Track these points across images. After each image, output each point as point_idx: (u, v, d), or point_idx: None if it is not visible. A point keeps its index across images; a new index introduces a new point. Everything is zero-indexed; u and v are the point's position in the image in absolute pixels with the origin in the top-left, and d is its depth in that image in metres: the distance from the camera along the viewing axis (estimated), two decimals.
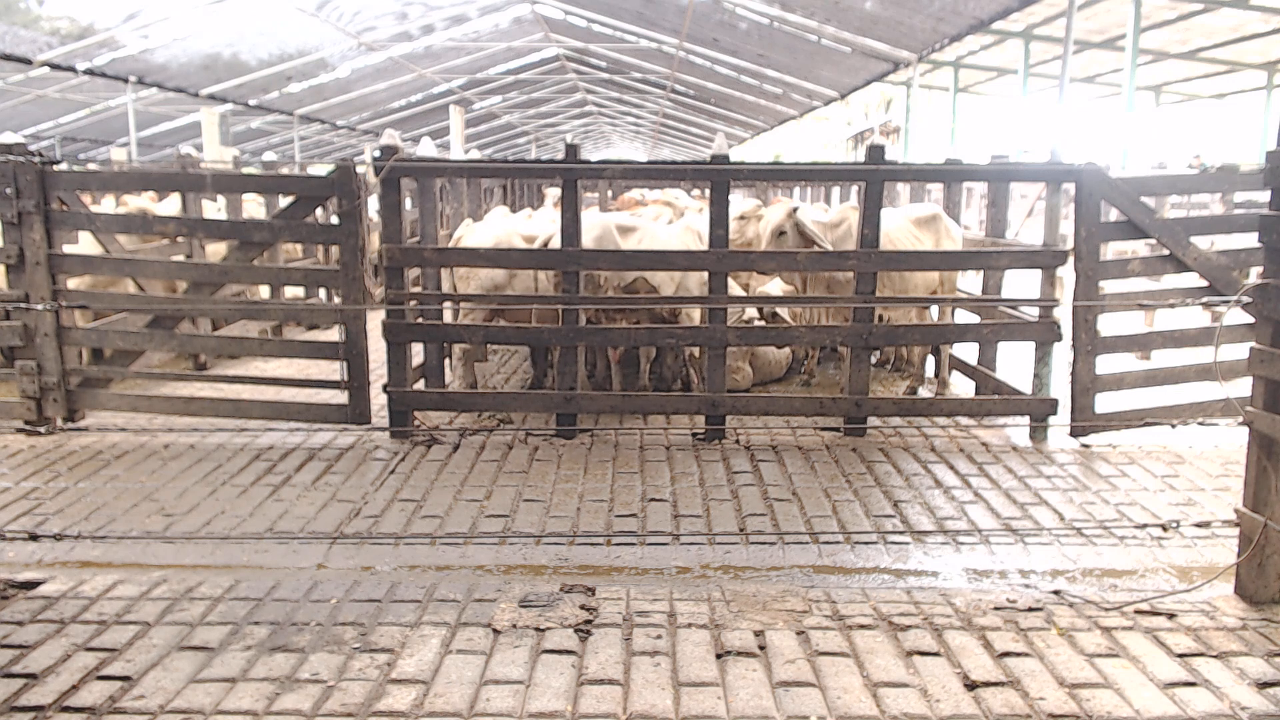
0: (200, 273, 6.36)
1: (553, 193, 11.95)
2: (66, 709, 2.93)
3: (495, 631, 3.43)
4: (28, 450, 5.65)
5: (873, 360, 8.10)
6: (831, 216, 6.91)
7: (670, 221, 8.30)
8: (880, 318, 6.50)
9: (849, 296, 5.90)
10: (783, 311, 7.12)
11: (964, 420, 6.27)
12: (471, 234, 6.81)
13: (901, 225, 6.80)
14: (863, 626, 3.47)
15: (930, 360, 7.54)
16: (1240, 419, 3.80)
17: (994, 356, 7.07)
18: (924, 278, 6.74)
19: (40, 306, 5.81)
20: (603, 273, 6.22)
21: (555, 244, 6.18)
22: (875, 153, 5.73)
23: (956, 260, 7.06)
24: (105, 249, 6.80)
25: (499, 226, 6.83)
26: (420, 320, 6.31)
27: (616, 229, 6.42)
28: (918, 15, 12.42)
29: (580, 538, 4.38)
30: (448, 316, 6.97)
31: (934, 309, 7.08)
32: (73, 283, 6.69)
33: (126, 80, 15.86)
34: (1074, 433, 5.80)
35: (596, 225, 6.36)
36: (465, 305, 6.64)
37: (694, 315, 6.41)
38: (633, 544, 4.33)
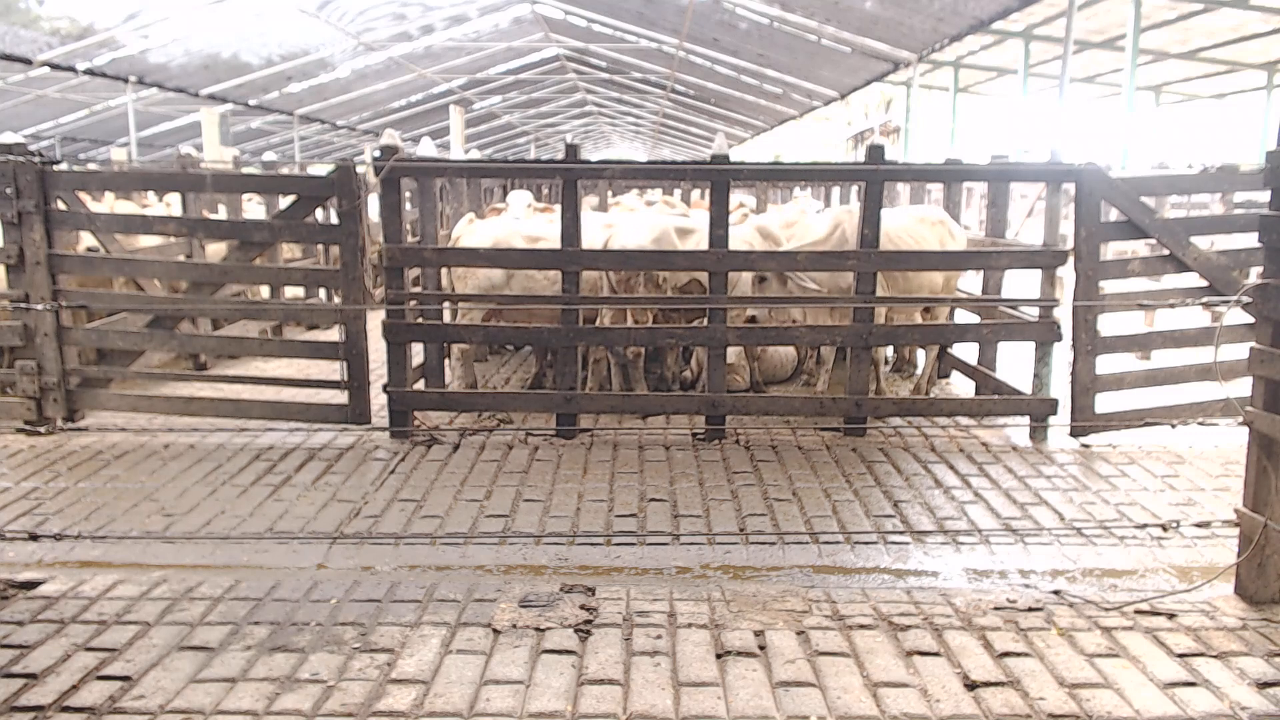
0: (200, 273, 6.37)
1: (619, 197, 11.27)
2: (66, 709, 2.93)
3: (495, 631, 3.43)
4: (28, 450, 5.65)
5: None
6: (826, 227, 6.72)
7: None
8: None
9: (850, 296, 5.89)
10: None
11: (964, 420, 6.27)
12: (473, 233, 6.80)
13: (906, 225, 6.74)
14: (863, 626, 3.47)
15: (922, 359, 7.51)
16: (1240, 419, 3.80)
17: (994, 356, 7.07)
18: (928, 280, 6.61)
19: (40, 306, 5.81)
20: (662, 274, 6.29)
21: (617, 244, 6.39)
22: (875, 153, 5.73)
23: (956, 260, 7.05)
24: (105, 249, 6.79)
25: (500, 227, 6.83)
26: (420, 320, 6.31)
27: (676, 231, 6.44)
28: (918, 15, 12.42)
29: (580, 538, 4.38)
30: (447, 316, 6.96)
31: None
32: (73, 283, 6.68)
33: (126, 80, 15.87)
34: (1074, 433, 5.80)
35: (656, 227, 6.38)
36: (465, 305, 6.65)
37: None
38: (633, 544, 4.33)
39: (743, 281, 6.44)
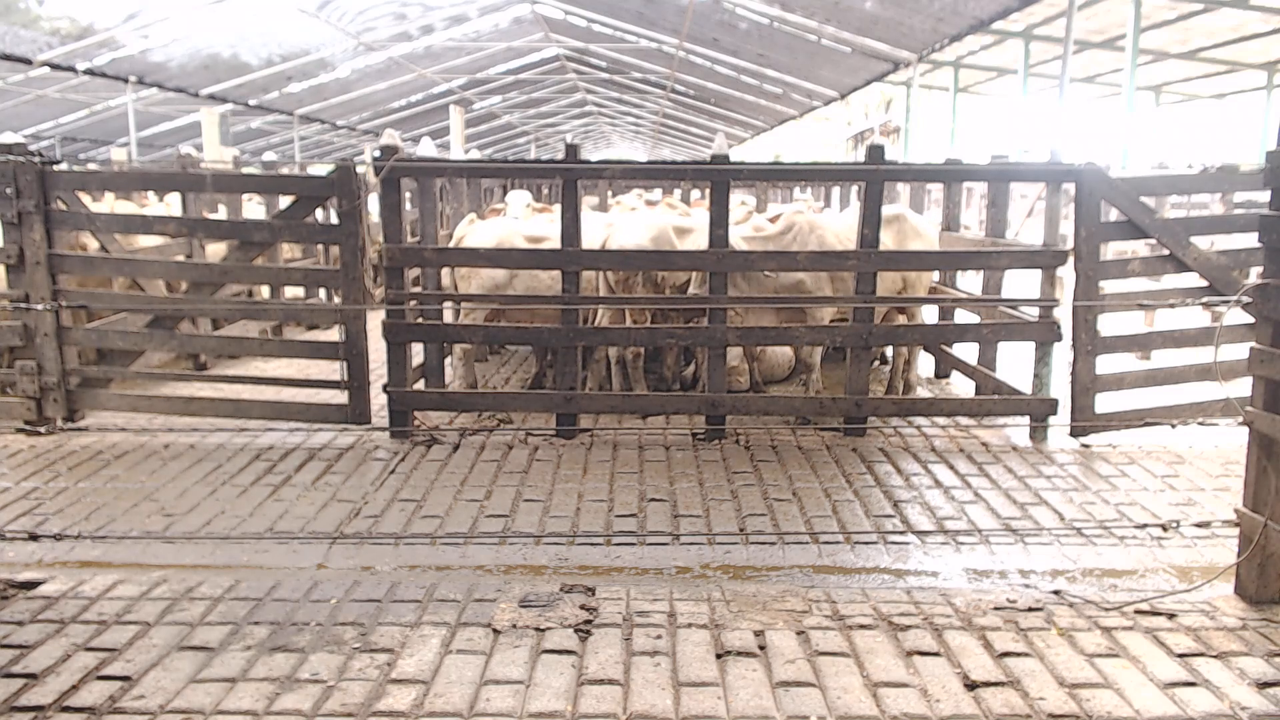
0: (200, 273, 6.37)
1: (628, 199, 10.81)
2: (66, 709, 2.93)
3: (495, 631, 3.43)
4: (28, 450, 5.65)
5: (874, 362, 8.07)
6: (779, 227, 6.51)
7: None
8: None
9: (850, 296, 5.89)
10: None
11: (964, 420, 6.27)
12: (475, 233, 6.80)
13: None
14: (863, 626, 3.47)
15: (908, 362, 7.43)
16: (1240, 419, 3.80)
17: (994, 356, 7.07)
18: (886, 280, 6.29)
19: (40, 306, 5.81)
20: (660, 273, 6.31)
21: (615, 244, 6.40)
22: (875, 153, 5.73)
23: (956, 260, 7.05)
24: (105, 249, 6.79)
25: (502, 226, 6.83)
26: (420, 320, 6.31)
27: (674, 230, 6.46)
28: (918, 15, 12.42)
29: (580, 538, 4.38)
30: (448, 316, 6.96)
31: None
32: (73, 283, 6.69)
33: (126, 80, 15.87)
34: (1074, 433, 5.80)
35: (654, 226, 6.40)
36: (466, 305, 6.64)
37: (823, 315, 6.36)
38: (633, 544, 4.32)
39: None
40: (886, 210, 6.73)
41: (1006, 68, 20.70)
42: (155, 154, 23.22)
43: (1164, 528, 4.39)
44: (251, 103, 19.43)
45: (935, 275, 7.62)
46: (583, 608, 3.59)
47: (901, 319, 6.84)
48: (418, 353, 6.78)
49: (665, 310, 6.44)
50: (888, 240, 6.56)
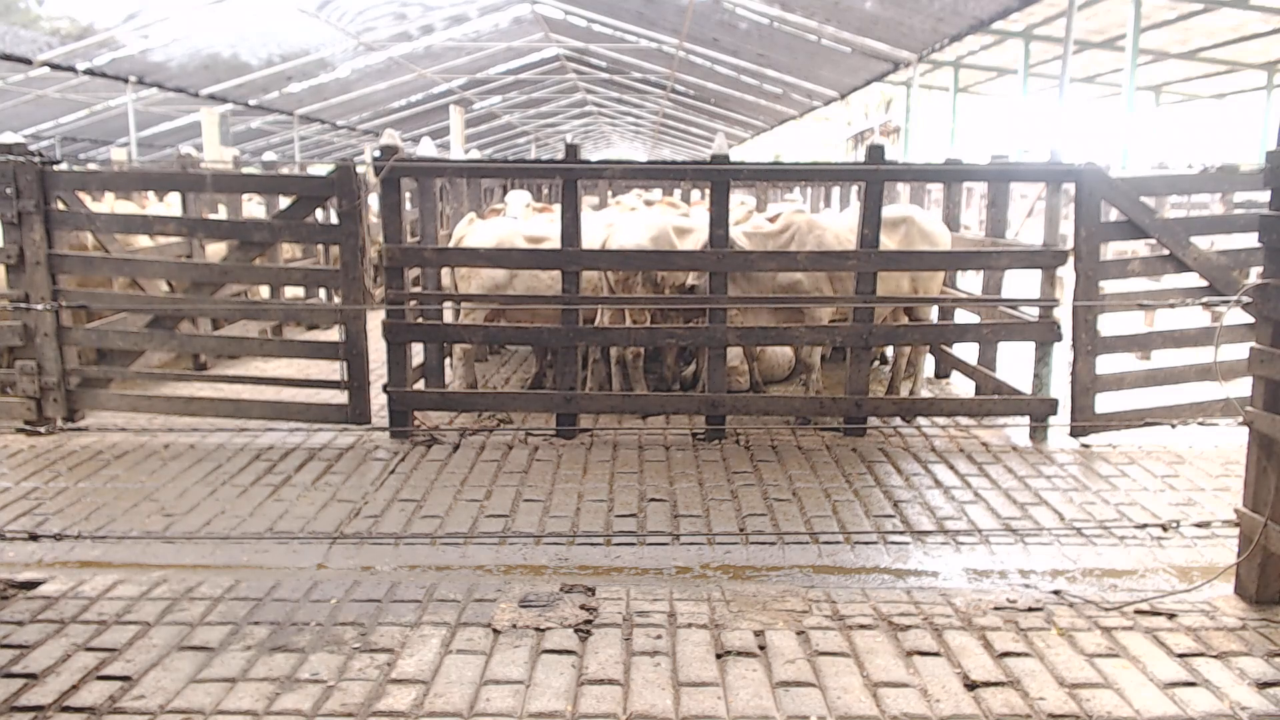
0: (200, 273, 6.37)
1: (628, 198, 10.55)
2: (66, 709, 2.93)
3: (495, 631, 3.43)
4: (28, 450, 5.65)
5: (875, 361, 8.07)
6: (777, 226, 6.51)
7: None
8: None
9: (850, 296, 5.89)
10: None
11: (964, 420, 6.26)
12: (475, 233, 6.80)
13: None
14: (863, 626, 3.47)
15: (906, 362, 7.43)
16: (1240, 419, 3.80)
17: (994, 356, 7.07)
18: (888, 281, 6.25)
19: (40, 306, 5.81)
20: (660, 273, 6.33)
21: (615, 244, 6.41)
22: (875, 153, 5.73)
23: (956, 260, 7.05)
24: (105, 249, 6.79)
25: (503, 226, 6.83)
26: (420, 320, 6.31)
27: (675, 230, 6.46)
28: (918, 15, 12.42)
29: (580, 538, 4.38)
30: (448, 316, 6.96)
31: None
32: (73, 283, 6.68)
33: (126, 80, 15.87)
34: (1074, 433, 5.80)
35: (654, 226, 6.40)
36: (466, 305, 6.65)
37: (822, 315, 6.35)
38: (633, 544, 4.33)
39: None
40: (895, 212, 6.76)
41: (1006, 68, 20.70)
42: (155, 154, 23.22)
43: (1164, 528, 4.39)
44: (251, 103, 19.43)
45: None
46: (583, 608, 3.59)
47: (906, 320, 6.84)
48: (418, 353, 6.78)
49: (665, 310, 6.45)
50: (895, 244, 6.56)
